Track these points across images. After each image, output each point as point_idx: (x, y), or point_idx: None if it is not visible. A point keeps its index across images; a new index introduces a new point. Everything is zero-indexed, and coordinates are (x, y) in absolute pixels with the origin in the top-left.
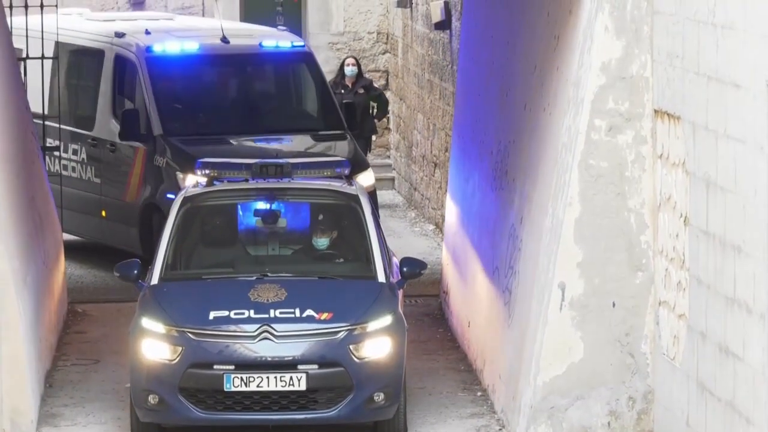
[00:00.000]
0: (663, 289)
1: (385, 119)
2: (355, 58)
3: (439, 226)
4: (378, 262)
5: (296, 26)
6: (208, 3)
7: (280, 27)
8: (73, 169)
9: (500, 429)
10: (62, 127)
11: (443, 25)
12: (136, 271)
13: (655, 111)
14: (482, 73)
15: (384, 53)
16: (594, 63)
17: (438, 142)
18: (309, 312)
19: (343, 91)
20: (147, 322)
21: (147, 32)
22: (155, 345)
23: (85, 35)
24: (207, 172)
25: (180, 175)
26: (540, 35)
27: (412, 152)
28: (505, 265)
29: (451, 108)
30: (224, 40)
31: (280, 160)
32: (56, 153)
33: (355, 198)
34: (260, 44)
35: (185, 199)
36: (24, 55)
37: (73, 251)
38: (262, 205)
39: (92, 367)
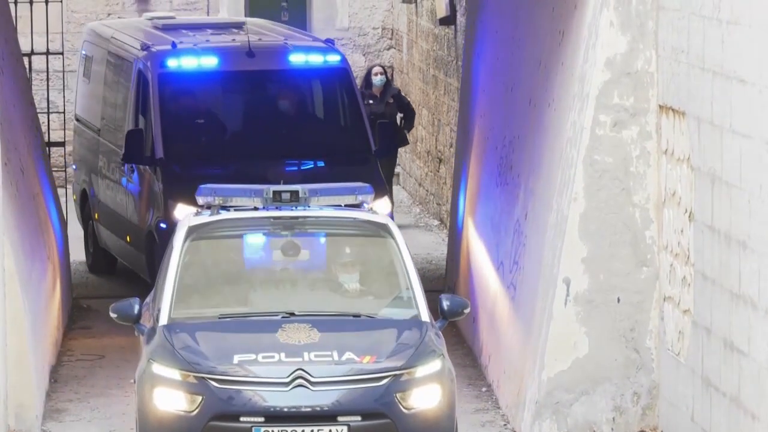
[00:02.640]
0: (668, 285)
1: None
2: (382, 67)
3: (444, 222)
4: (420, 300)
5: (301, 22)
6: None
7: (302, 34)
8: (108, 186)
9: (505, 424)
10: (101, 140)
11: (448, 20)
12: (136, 311)
13: (660, 106)
14: (487, 69)
15: (389, 49)
16: (599, 58)
17: (443, 137)
18: (348, 355)
19: (371, 101)
20: (159, 369)
21: (173, 45)
22: (170, 394)
23: (123, 45)
24: (210, 199)
25: (170, 203)
26: (545, 30)
27: (417, 148)
28: (509, 260)
29: (456, 103)
30: (250, 53)
31: (295, 186)
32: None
33: (386, 227)
34: (288, 59)
35: (191, 229)
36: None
37: (77, 246)
38: (281, 236)
39: (97, 362)
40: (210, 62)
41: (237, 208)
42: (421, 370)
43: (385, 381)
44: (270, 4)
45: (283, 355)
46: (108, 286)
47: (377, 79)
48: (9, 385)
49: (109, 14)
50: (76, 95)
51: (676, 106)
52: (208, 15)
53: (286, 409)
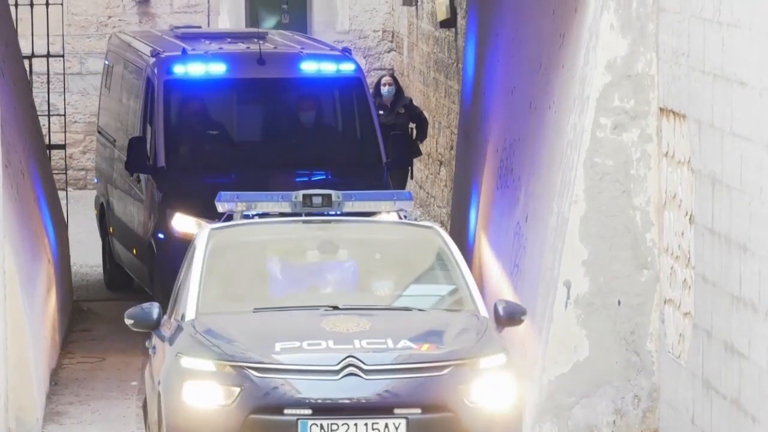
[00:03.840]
0: (668, 288)
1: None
2: (392, 77)
3: (445, 224)
4: (477, 296)
5: (302, 24)
6: (214, 1)
7: (311, 41)
8: (121, 198)
9: None
10: (116, 151)
11: (448, 23)
12: (156, 316)
13: (661, 109)
14: (488, 71)
15: (389, 51)
16: (599, 61)
17: (443, 140)
18: (405, 342)
19: (381, 112)
20: (189, 362)
21: (184, 52)
22: (202, 388)
23: (137, 52)
24: (231, 205)
25: (168, 212)
26: (545, 33)
27: None
28: (510, 263)
29: (457, 106)
30: (260, 61)
31: (327, 190)
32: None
33: (433, 229)
34: (299, 67)
35: (215, 230)
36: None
37: (78, 249)
38: (316, 234)
39: (98, 364)
40: (218, 69)
41: (260, 214)
42: (485, 362)
43: (447, 370)
44: (270, 7)
45: (331, 342)
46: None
47: (386, 90)
48: (9, 388)
49: (109, 17)
50: (99, 106)
51: (676, 108)
52: (208, 18)
53: (335, 400)
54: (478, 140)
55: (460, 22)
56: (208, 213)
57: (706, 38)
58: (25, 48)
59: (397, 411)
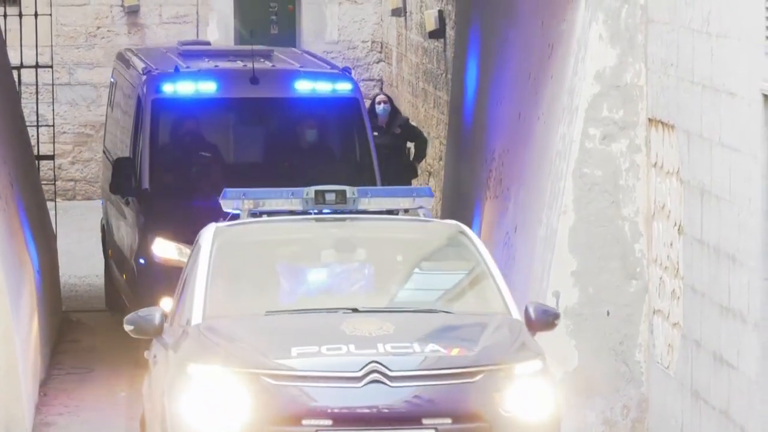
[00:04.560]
0: (657, 298)
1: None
2: (386, 95)
3: None
4: (508, 298)
5: (290, 35)
6: (203, 12)
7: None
8: (116, 221)
9: None
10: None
11: (437, 33)
12: (158, 321)
13: (650, 119)
14: (476, 82)
15: (378, 62)
16: (588, 71)
17: (432, 150)
18: (433, 346)
19: (376, 133)
20: (196, 369)
21: (176, 69)
22: (211, 397)
23: (134, 69)
24: (237, 203)
25: (149, 237)
26: (534, 44)
27: None
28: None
29: (446, 117)
30: (253, 80)
31: (342, 186)
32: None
33: (457, 226)
34: (293, 87)
35: (219, 230)
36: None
37: (67, 260)
38: (332, 231)
39: (87, 375)
40: (209, 88)
41: (268, 211)
42: (521, 368)
43: (479, 377)
44: (259, 18)
45: (351, 346)
46: (98, 300)
47: (380, 108)
48: None
49: (98, 27)
50: (105, 125)
51: (665, 119)
52: (197, 28)
53: (358, 410)
54: (467, 151)
55: (449, 32)
56: (191, 238)
57: (694, 49)
58: (13, 58)
59: (425, 421)
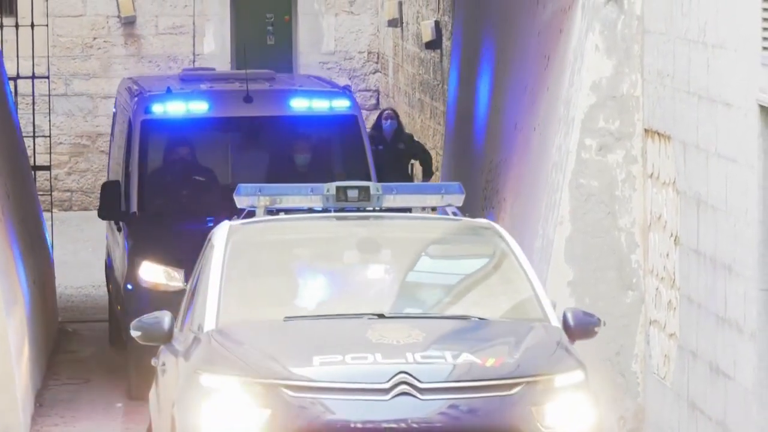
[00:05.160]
0: (653, 309)
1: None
2: (393, 110)
3: None
4: (545, 303)
5: (287, 46)
6: (199, 22)
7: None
8: (112, 248)
9: None
10: None
11: (434, 44)
12: (167, 326)
13: (646, 130)
14: (472, 92)
15: (374, 73)
16: (584, 82)
17: None
18: (466, 356)
19: (381, 147)
20: (210, 379)
21: (168, 90)
22: (226, 410)
23: (129, 93)
24: (252, 199)
25: (136, 261)
26: (530, 54)
27: None
28: None
29: (442, 127)
30: (247, 99)
31: (365, 182)
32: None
33: (488, 224)
34: (288, 105)
35: (233, 229)
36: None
37: (63, 270)
38: (355, 230)
39: (83, 386)
40: (200, 108)
41: (285, 209)
42: (561, 380)
43: (517, 389)
44: (255, 29)
45: (378, 355)
46: (94, 310)
47: (387, 124)
48: None
49: (94, 38)
50: (108, 156)
51: (661, 129)
52: (193, 40)
53: (385, 425)
54: (464, 161)
55: (446, 43)
56: (179, 261)
57: (691, 59)
58: (10, 69)
59: None
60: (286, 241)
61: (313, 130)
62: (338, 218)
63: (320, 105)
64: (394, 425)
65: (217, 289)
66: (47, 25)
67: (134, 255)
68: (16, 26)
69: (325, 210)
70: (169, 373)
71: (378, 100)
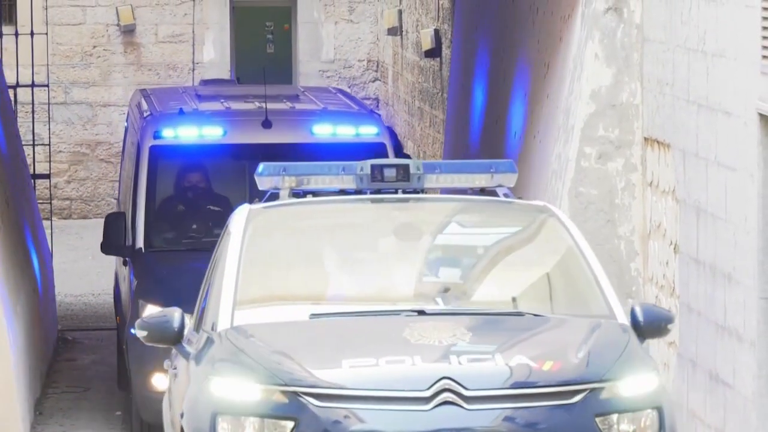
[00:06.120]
0: None
1: None
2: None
3: None
4: (611, 297)
5: (287, 54)
6: (199, 31)
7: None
8: (120, 282)
9: None
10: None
11: (433, 52)
12: (177, 326)
13: (645, 138)
14: (472, 101)
15: (374, 81)
16: (584, 90)
17: None
18: (520, 358)
19: None
20: (223, 386)
21: (180, 111)
22: (242, 422)
23: (139, 111)
24: (276, 180)
25: (140, 303)
26: (530, 63)
27: None
28: None
29: (442, 135)
30: (266, 124)
31: (404, 160)
32: None
33: (545, 209)
34: (311, 131)
35: (253, 213)
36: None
37: (63, 279)
38: (392, 217)
39: (82, 394)
40: (214, 133)
41: (313, 191)
42: (630, 385)
43: (580, 397)
44: (255, 38)
45: (417, 358)
46: (93, 319)
47: None
48: None
49: (94, 46)
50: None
51: (661, 138)
52: (193, 48)
53: None
54: None
55: (445, 51)
56: (188, 305)
57: (690, 68)
58: (9, 78)
59: None
60: (313, 227)
61: (337, 159)
62: (373, 201)
63: (346, 131)
64: None
65: (233, 283)
66: (47, 34)
67: (138, 296)
68: (16, 35)
69: (358, 192)
70: (180, 379)
71: (378, 108)
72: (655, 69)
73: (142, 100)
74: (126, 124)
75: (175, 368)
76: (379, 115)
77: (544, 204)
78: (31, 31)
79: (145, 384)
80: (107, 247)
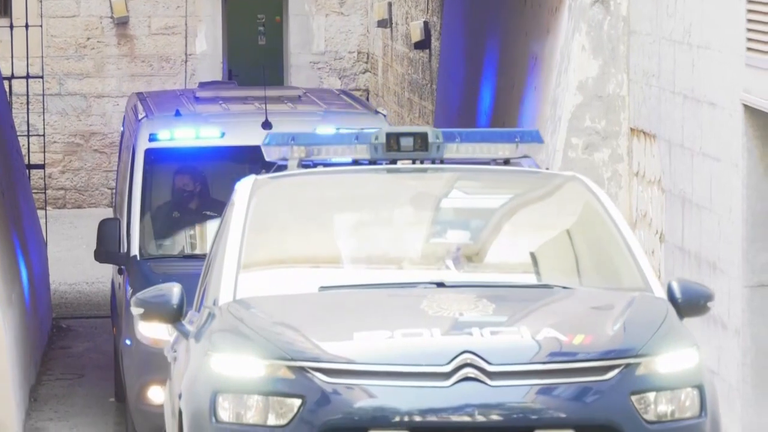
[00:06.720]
0: None
1: None
2: None
3: None
4: (647, 269)
5: (278, 46)
6: (191, 23)
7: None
8: (116, 293)
9: None
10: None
11: (423, 44)
12: (176, 302)
13: (632, 129)
14: (461, 92)
15: (364, 72)
16: (571, 82)
17: None
18: (548, 331)
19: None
20: (224, 363)
21: (177, 113)
22: (245, 401)
23: (134, 113)
24: (285, 150)
25: (133, 311)
26: (518, 55)
27: None
28: None
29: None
30: (266, 125)
31: (422, 128)
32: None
33: (577, 180)
34: (314, 131)
35: (258, 183)
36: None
37: (57, 267)
38: (409, 187)
39: (76, 381)
40: (212, 134)
41: (324, 163)
42: (669, 361)
43: (612, 373)
44: (247, 30)
45: (436, 331)
46: (87, 307)
47: None
48: None
49: (88, 38)
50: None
51: (647, 129)
52: (185, 40)
53: (445, 418)
54: None
55: (434, 43)
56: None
57: (676, 60)
58: (5, 70)
59: None
60: (323, 197)
61: None
62: (389, 171)
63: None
64: (455, 418)
65: (236, 255)
66: (41, 26)
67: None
68: (11, 27)
69: (372, 163)
70: (180, 360)
71: (368, 99)
72: (641, 61)
73: (139, 103)
74: (122, 128)
75: (174, 350)
76: (385, 115)
77: (573, 173)
78: (26, 23)
79: (140, 396)
80: (100, 255)
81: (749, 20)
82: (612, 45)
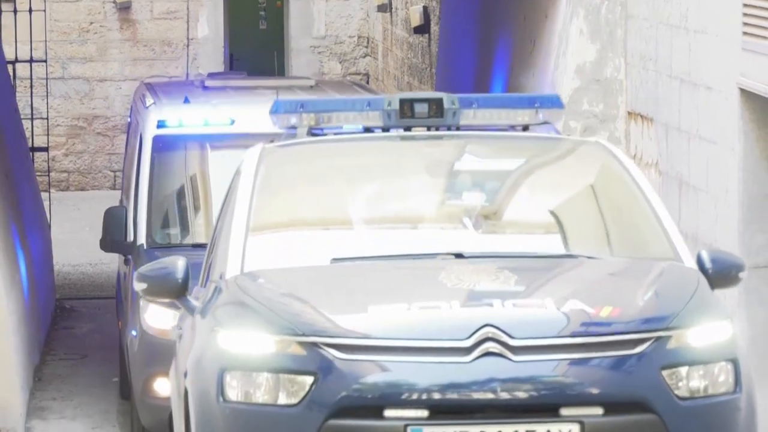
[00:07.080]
0: None
1: None
2: None
3: None
4: (675, 236)
5: (279, 30)
6: (193, 7)
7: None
8: (121, 286)
9: None
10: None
11: (422, 29)
12: (182, 276)
13: (629, 113)
14: (460, 77)
15: (364, 56)
16: (569, 66)
17: None
18: (574, 303)
19: None
20: (232, 339)
21: (186, 100)
22: (253, 379)
23: (141, 101)
24: (294, 118)
25: (142, 303)
26: (516, 39)
27: None
28: None
29: None
30: None
31: (437, 93)
32: None
33: (602, 147)
34: None
35: (266, 151)
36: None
37: (60, 249)
38: (424, 154)
39: (80, 361)
40: (221, 121)
41: (336, 131)
42: (701, 334)
43: (642, 347)
44: (248, 14)
45: (455, 303)
46: (91, 287)
47: None
48: None
49: (91, 23)
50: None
51: (644, 112)
52: (187, 24)
53: (466, 395)
54: None
55: (434, 28)
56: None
57: (673, 44)
58: (9, 53)
59: (565, 411)
60: (334, 164)
61: None
62: (403, 138)
63: None
64: (477, 396)
65: (244, 225)
66: (45, 10)
67: (140, 296)
68: (15, 11)
69: (385, 131)
70: (185, 338)
71: (368, 83)
72: (638, 45)
73: (147, 91)
74: (129, 118)
75: (180, 329)
76: None
77: (596, 140)
78: (30, 8)
79: (146, 389)
80: (106, 244)
81: (745, 5)
82: (610, 29)
